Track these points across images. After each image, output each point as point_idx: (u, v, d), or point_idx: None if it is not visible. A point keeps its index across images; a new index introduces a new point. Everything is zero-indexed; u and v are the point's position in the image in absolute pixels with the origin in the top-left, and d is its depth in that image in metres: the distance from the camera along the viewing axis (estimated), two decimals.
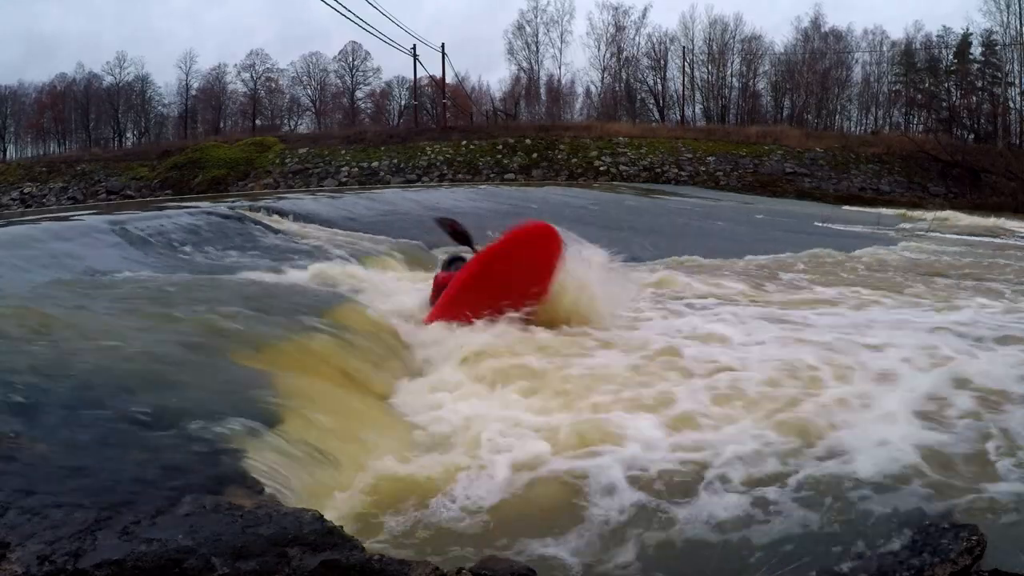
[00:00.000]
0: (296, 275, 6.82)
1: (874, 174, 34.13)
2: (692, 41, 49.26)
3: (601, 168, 34.17)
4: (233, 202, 12.28)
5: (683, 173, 34.00)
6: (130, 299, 5.17)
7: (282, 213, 11.38)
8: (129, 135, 55.92)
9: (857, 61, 49.52)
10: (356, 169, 34.01)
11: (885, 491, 2.97)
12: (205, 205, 11.48)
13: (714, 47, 49.47)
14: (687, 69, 47.97)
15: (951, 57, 46.80)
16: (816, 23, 48.68)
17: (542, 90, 52.04)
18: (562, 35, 50.13)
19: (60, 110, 55.22)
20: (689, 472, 3.25)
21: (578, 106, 53.47)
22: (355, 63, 54.51)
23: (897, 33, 51.46)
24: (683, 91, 48.47)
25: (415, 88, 44.21)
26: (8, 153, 55.09)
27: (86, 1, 69.12)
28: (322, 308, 5.59)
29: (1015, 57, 40.74)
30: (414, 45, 36.90)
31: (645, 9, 53.03)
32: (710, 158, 34.73)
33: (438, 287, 5.53)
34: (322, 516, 2.27)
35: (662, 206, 21.63)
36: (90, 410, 3.01)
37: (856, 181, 33.70)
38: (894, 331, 5.75)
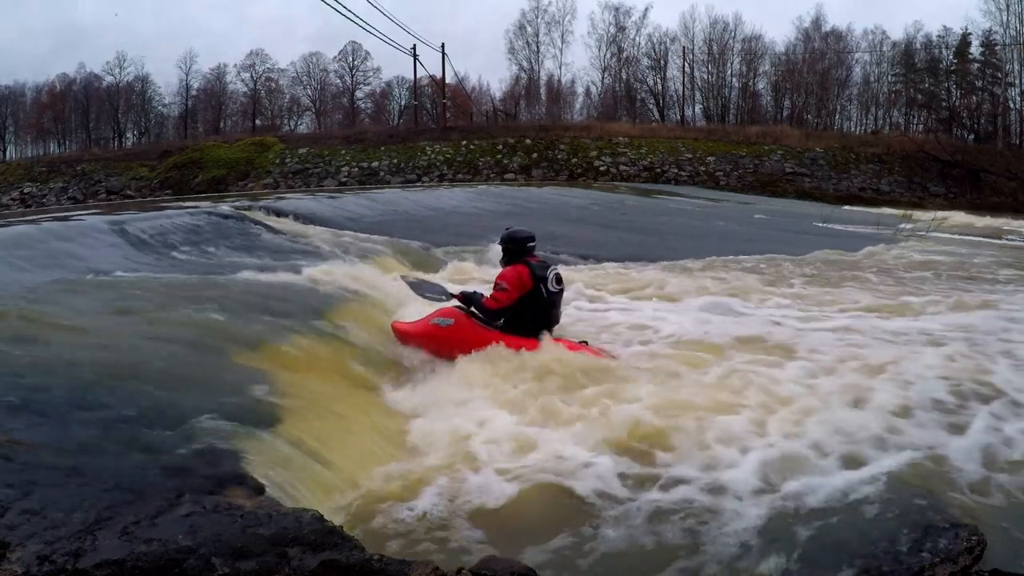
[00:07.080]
0: (296, 275, 6.80)
1: (874, 174, 34.08)
2: (692, 41, 49.21)
3: (601, 168, 34.11)
4: (233, 202, 12.27)
5: (683, 173, 33.96)
6: (130, 299, 5.17)
7: (282, 213, 11.37)
8: (129, 135, 55.80)
9: (857, 61, 49.50)
10: (356, 169, 33.96)
11: (886, 491, 2.97)
12: (205, 205, 11.46)
13: (714, 47, 49.39)
14: (687, 69, 47.91)
15: (951, 57, 46.75)
16: (817, 23, 48.70)
17: (542, 90, 51.98)
18: (563, 35, 50.02)
19: (60, 110, 55.16)
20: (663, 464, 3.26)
21: (578, 106, 53.35)
22: (355, 63, 54.43)
23: (897, 33, 51.31)
24: (683, 91, 48.40)
25: (415, 88, 44.13)
26: (8, 153, 55.02)
27: None
28: (322, 308, 5.59)
29: (1015, 57, 40.59)
30: (414, 45, 36.82)
31: (646, 9, 52.99)
32: (710, 158, 34.68)
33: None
34: (322, 516, 2.27)
35: (662, 206, 21.62)
36: (90, 410, 3.01)
37: (856, 181, 33.65)
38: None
